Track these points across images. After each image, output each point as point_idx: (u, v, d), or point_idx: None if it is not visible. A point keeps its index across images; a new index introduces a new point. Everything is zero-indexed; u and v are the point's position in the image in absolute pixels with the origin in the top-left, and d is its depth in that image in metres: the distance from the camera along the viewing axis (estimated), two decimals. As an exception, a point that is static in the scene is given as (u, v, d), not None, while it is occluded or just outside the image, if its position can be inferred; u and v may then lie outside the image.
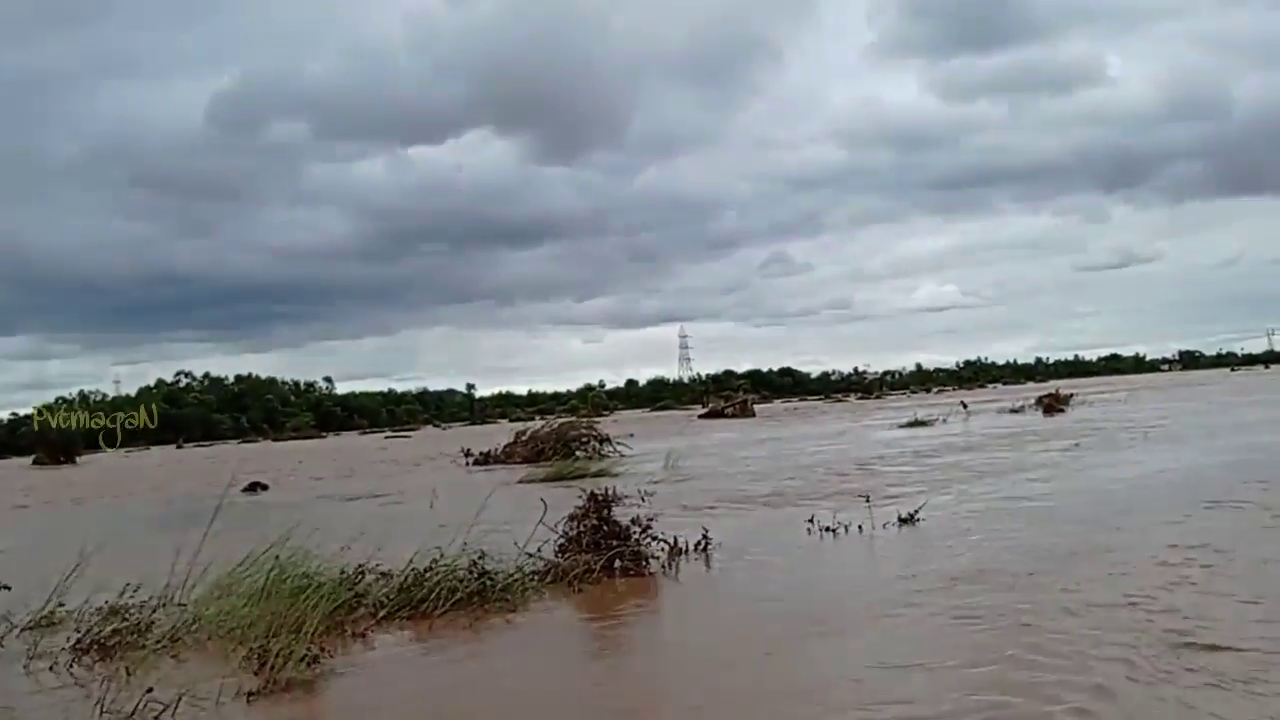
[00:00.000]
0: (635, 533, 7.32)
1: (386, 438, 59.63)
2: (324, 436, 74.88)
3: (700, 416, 50.14)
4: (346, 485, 18.27)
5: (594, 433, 21.73)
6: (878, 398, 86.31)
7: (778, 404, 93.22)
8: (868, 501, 8.59)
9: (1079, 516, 8.34)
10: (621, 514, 7.45)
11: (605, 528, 7.28)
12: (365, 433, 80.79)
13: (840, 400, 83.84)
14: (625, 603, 6.42)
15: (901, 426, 26.02)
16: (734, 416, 46.70)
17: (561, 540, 7.40)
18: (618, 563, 7.04)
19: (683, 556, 7.56)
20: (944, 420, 27.64)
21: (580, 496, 7.45)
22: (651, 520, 7.38)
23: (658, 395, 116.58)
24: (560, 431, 21.47)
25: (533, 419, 71.61)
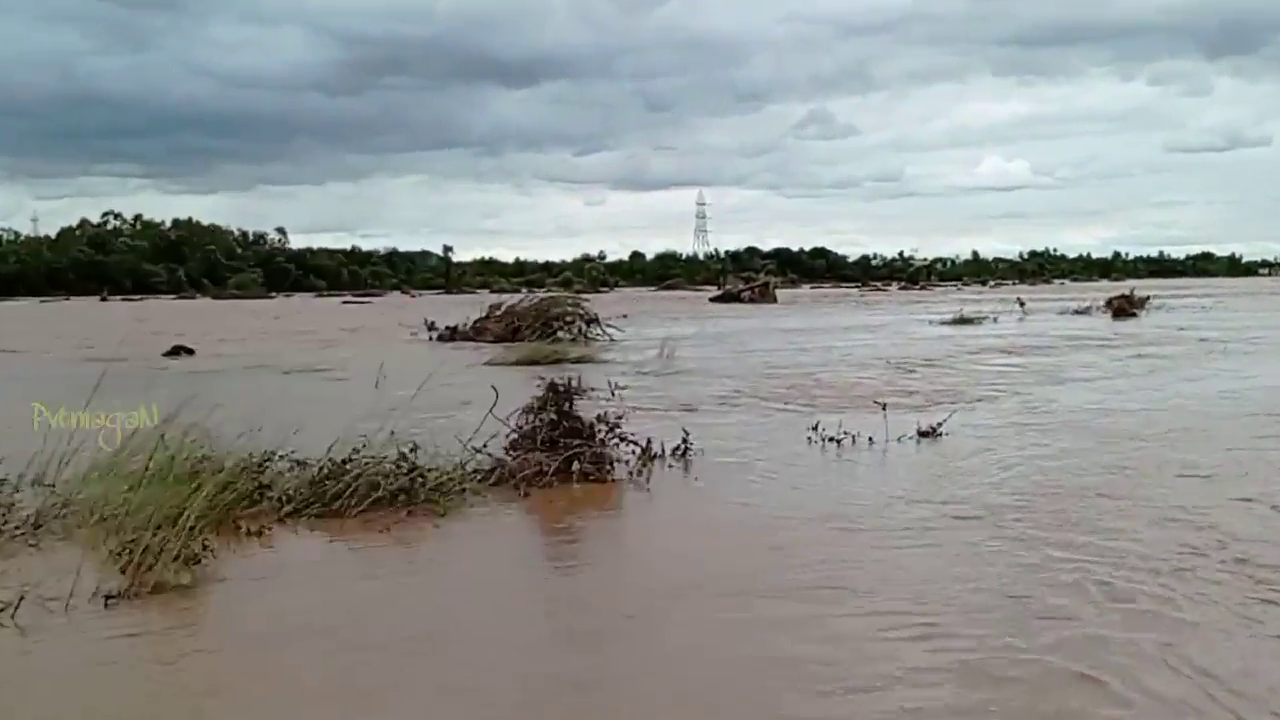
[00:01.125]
0: (600, 431, 7.18)
1: (345, 302, 59.82)
2: (272, 296, 75.04)
3: (713, 300, 50.14)
4: (287, 355, 18.25)
5: (580, 311, 21.69)
6: (923, 288, 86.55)
7: (806, 290, 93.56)
8: (884, 409, 8.44)
9: (1124, 433, 8.23)
10: (591, 410, 7.30)
11: (565, 424, 7.14)
12: (322, 295, 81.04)
13: (879, 289, 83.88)
14: (577, 511, 6.33)
15: (945, 323, 26.19)
16: (752, 302, 46.71)
17: (514, 436, 7.27)
18: (576, 465, 6.92)
19: (655, 462, 7.47)
20: (995, 319, 27.75)
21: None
22: (620, 418, 7.23)
23: (666, 272, 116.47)
24: (541, 308, 21.44)
25: (519, 291, 71.99)
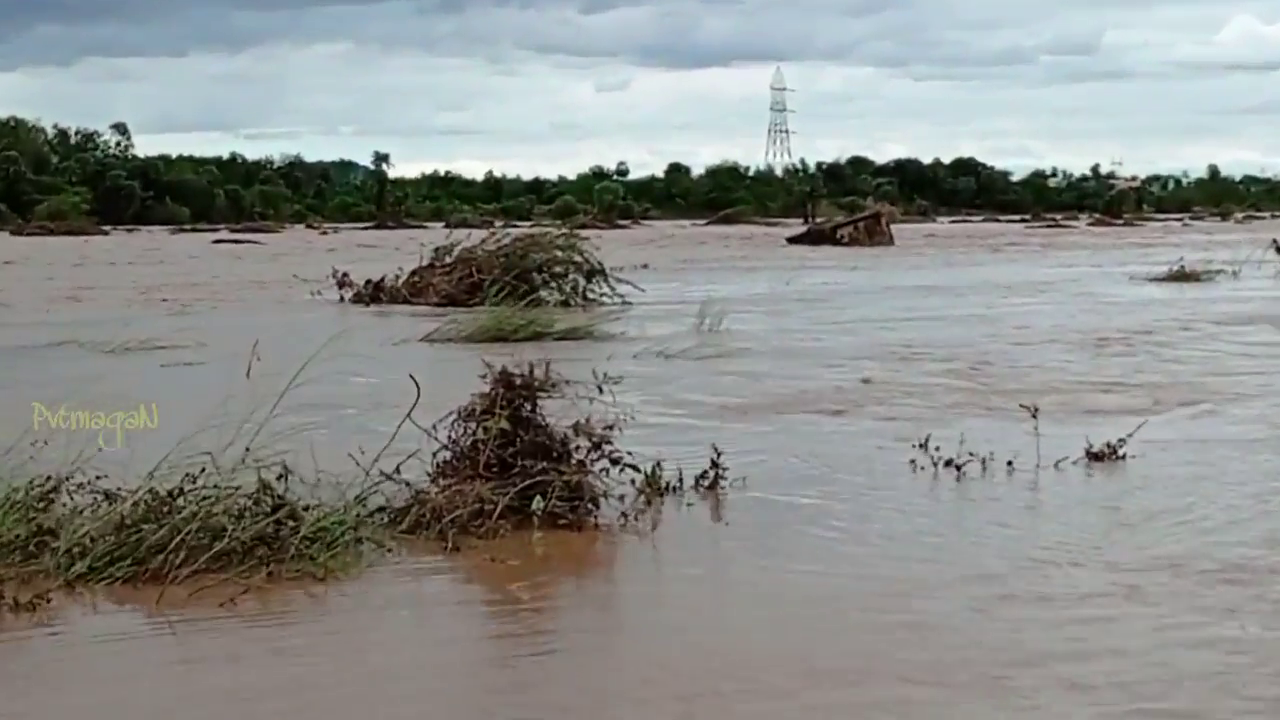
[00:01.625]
0: (579, 449, 7.18)
1: (217, 241, 60.09)
2: (106, 231, 75.49)
3: (791, 240, 50.51)
4: (113, 324, 18.38)
5: (576, 259, 21.84)
6: (1128, 223, 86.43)
7: (943, 224, 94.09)
8: (1034, 415, 8.42)
9: None
10: (578, 415, 7.32)
11: (523, 437, 7.14)
12: (183, 229, 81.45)
13: (1060, 224, 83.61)
14: (537, 575, 6.30)
15: (1156, 280, 26.47)
16: (854, 244, 46.90)
17: (444, 455, 7.28)
18: (539, 502, 6.92)
19: (667, 497, 7.47)
20: (1236, 272, 27.83)
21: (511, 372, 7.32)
22: (611, 428, 7.22)
23: (725, 197, 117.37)
24: (514, 253, 21.59)
25: (490, 225, 72.32)
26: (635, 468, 7.41)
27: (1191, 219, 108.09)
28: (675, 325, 17.57)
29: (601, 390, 7.48)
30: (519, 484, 6.97)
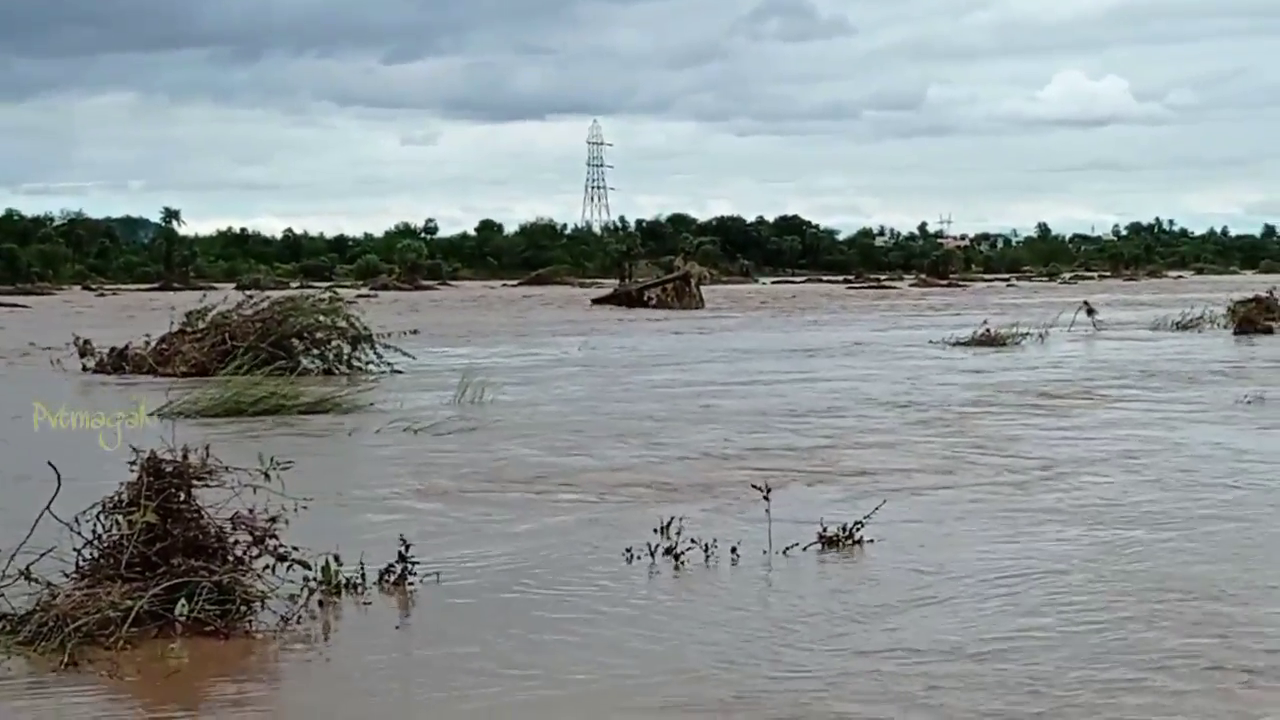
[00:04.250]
0: (240, 545, 6.71)
1: (-20, 306, 58.14)
2: None
3: (597, 302, 50.53)
4: None
5: (340, 325, 21.38)
6: (952, 284, 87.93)
7: (765, 284, 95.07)
8: (766, 495, 8.16)
9: (1205, 569, 8.04)
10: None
11: (174, 532, 6.64)
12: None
13: (885, 286, 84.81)
14: (171, 699, 5.78)
15: (959, 344, 26.86)
16: (663, 305, 47.05)
17: (92, 552, 6.76)
18: (182, 605, 6.42)
19: (344, 594, 7.03)
20: (1043, 336, 28.29)
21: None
22: (275, 521, 6.75)
23: (539, 255, 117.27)
24: (269, 318, 21.02)
25: (287, 285, 71.14)
26: (305, 564, 6.95)
27: (1019, 279, 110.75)
28: (437, 397, 17.15)
29: (268, 476, 6.99)
30: (163, 583, 6.46)
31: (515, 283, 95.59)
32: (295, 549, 6.90)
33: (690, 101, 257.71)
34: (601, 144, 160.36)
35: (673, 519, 8.09)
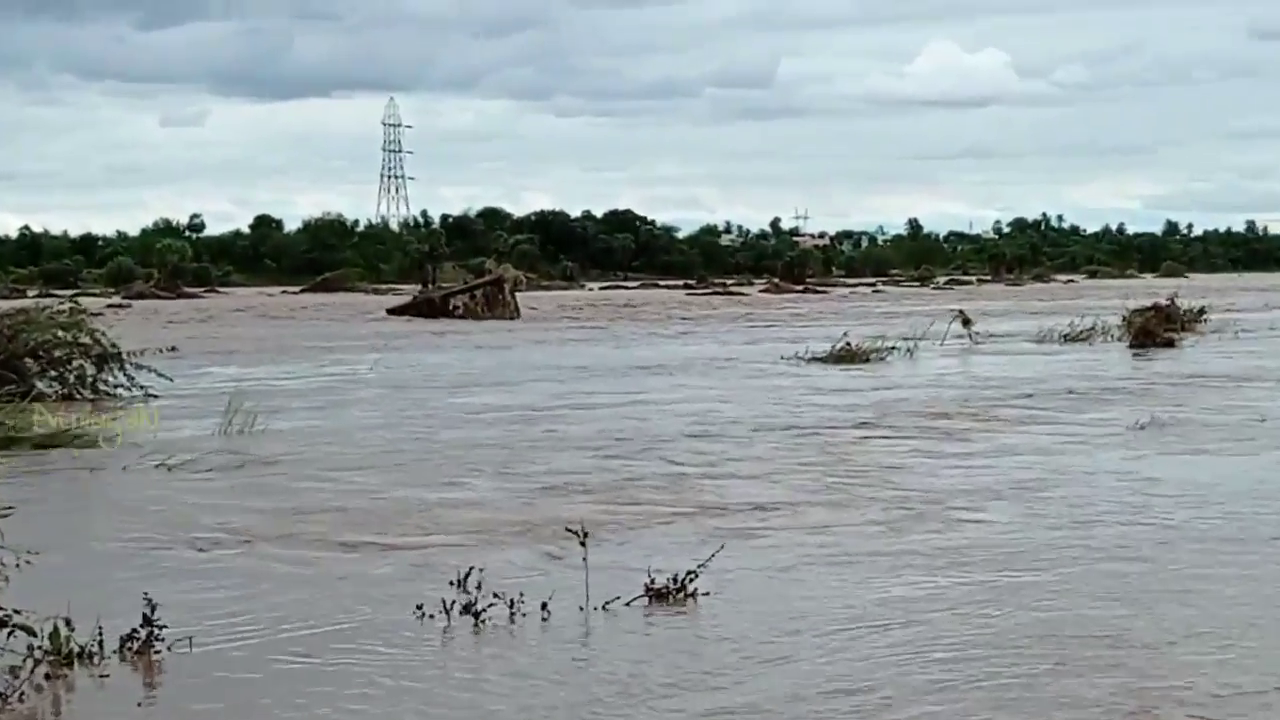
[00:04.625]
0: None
1: None
2: None
3: (392, 311, 50.18)
4: None
5: (84, 340, 21.14)
6: (808, 289, 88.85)
7: (592, 290, 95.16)
8: (582, 541, 8.20)
9: (1097, 613, 8.23)
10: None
11: None
12: None
13: (731, 292, 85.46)
14: None
15: (815, 360, 27.13)
16: (470, 315, 46.97)
17: None
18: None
19: (77, 665, 7.01)
20: (911, 351, 28.92)
21: None
22: (-11, 578, 6.62)
23: (327, 257, 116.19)
24: (1, 332, 20.66)
25: (26, 293, 69.62)
26: (29, 629, 6.82)
27: (886, 283, 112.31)
28: (199, 426, 16.98)
29: (-21, 527, 6.86)
30: None
31: (298, 289, 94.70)
32: (16, 612, 6.79)
33: (503, 76, 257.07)
34: (399, 125, 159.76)
35: (471, 569, 8.09)
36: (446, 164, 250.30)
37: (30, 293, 64.98)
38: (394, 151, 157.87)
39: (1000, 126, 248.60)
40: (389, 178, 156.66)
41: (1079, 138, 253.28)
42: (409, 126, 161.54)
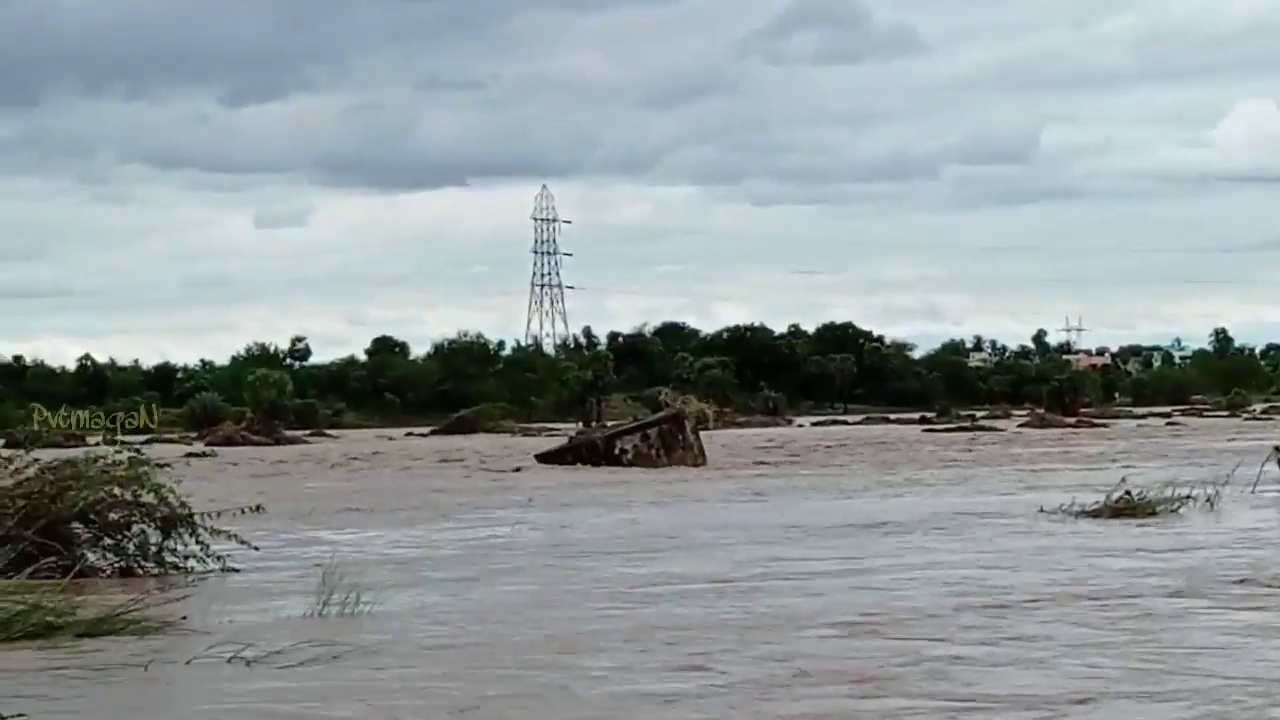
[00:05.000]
0: None
1: None
2: None
3: (543, 458, 50.43)
4: None
5: (147, 500, 21.36)
6: (1079, 424, 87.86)
7: (803, 426, 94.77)
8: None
9: None
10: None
11: None
12: None
13: (981, 427, 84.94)
14: None
15: (1085, 515, 27.08)
16: (643, 461, 47.19)
17: None
18: None
19: None
20: (1211, 500, 28.73)
21: None
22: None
23: (463, 389, 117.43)
24: (43, 490, 20.96)
25: (83, 439, 70.87)
26: None
27: (1186, 412, 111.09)
28: (288, 605, 17.09)
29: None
30: None
31: (427, 431, 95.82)
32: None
33: (684, 156, 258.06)
34: (554, 220, 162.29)
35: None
36: (615, 268, 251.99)
37: (91, 440, 66.22)
38: (548, 254, 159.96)
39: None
40: (542, 287, 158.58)
41: None
42: (567, 222, 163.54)
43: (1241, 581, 17.93)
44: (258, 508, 22.50)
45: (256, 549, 21.34)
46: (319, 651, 14.27)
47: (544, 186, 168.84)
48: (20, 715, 7.25)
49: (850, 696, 11.62)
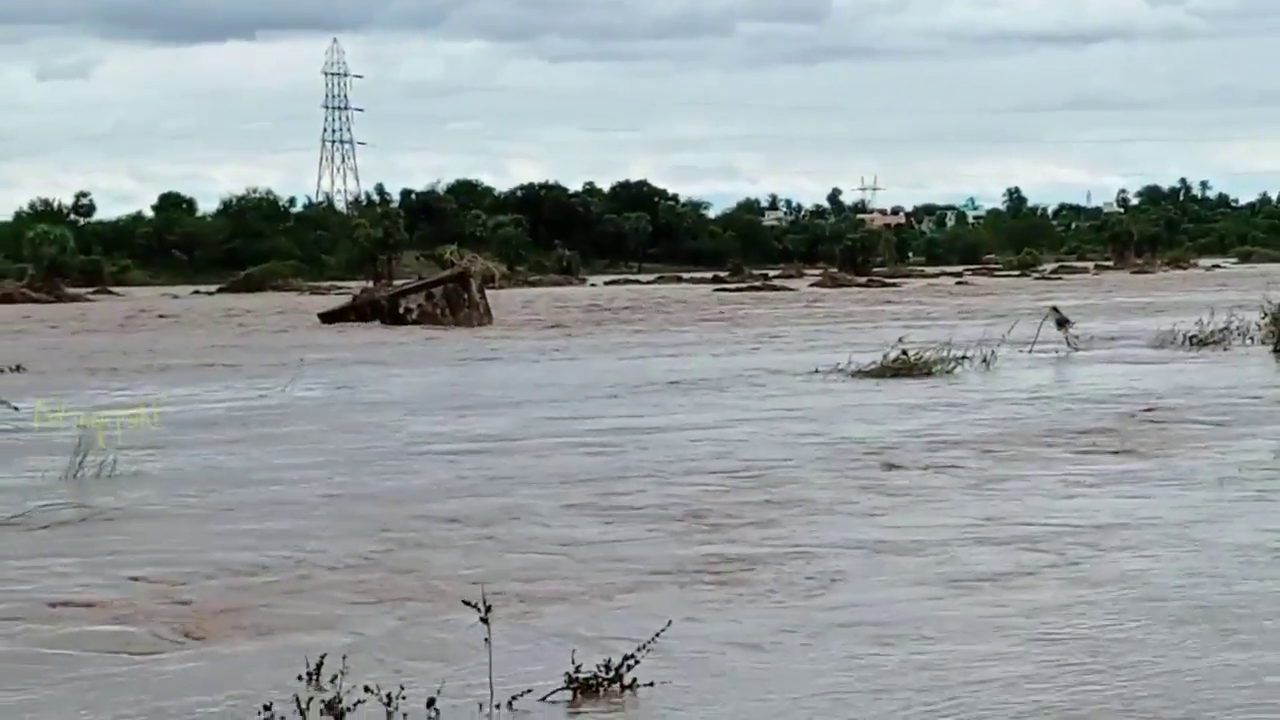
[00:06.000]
0: None
1: None
2: None
3: (326, 318, 50.29)
4: None
5: None
6: (869, 283, 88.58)
7: (596, 285, 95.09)
8: (484, 616, 8.09)
9: None
10: None
11: None
12: None
13: (773, 287, 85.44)
14: None
15: (861, 374, 27.30)
16: (428, 319, 47.14)
17: None
18: None
19: None
20: (987, 359, 29.20)
21: None
22: None
23: (252, 246, 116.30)
24: None
25: None
26: None
27: (977, 272, 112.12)
28: (45, 464, 16.91)
29: None
30: None
31: (214, 288, 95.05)
32: None
33: (477, 10, 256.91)
34: (345, 75, 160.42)
35: (324, 657, 8.03)
36: (407, 125, 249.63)
37: None
38: (339, 109, 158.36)
39: (1126, 68, 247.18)
40: (333, 143, 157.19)
41: (1227, 81, 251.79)
42: (358, 76, 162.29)
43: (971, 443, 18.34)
44: (18, 367, 22.34)
45: (17, 408, 21.14)
46: (70, 513, 14.19)
47: (334, 40, 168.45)
48: None
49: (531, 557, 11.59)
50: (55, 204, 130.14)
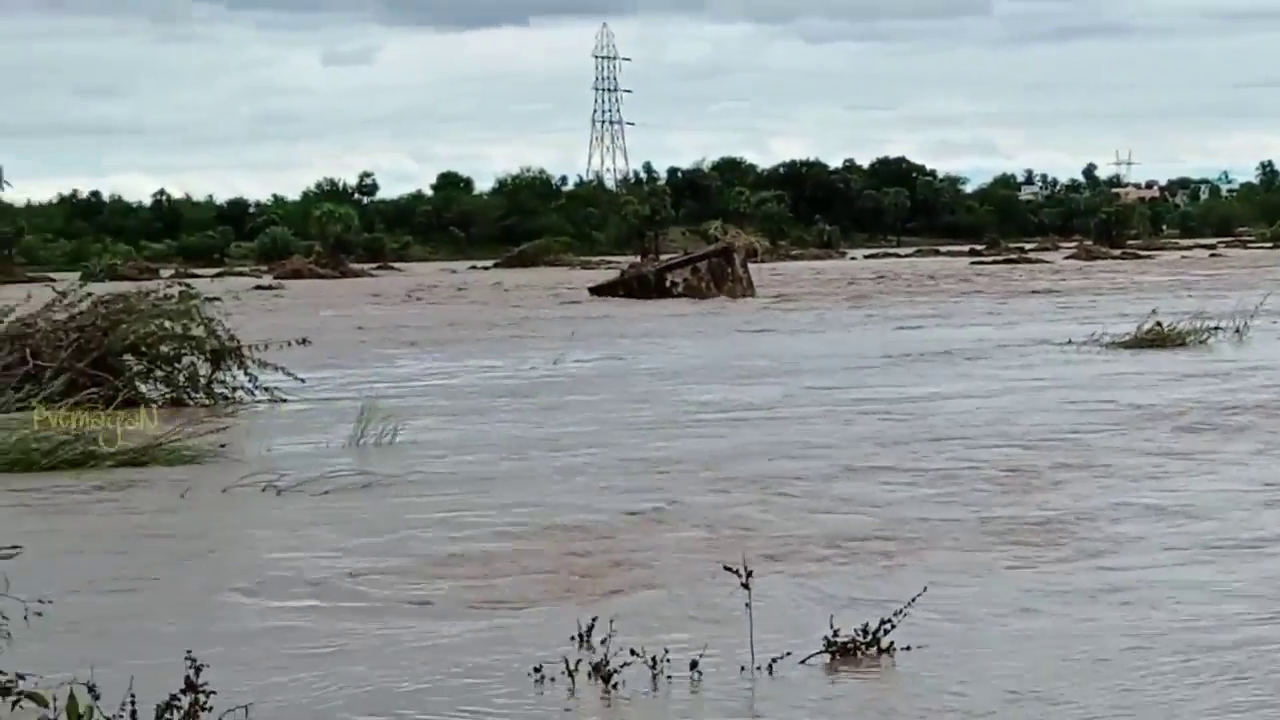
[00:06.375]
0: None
1: None
2: None
3: (596, 291, 50.41)
4: None
5: (196, 333, 21.48)
6: (1125, 255, 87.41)
7: (855, 259, 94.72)
8: (745, 583, 8.00)
9: None
10: None
11: None
12: None
13: (1029, 260, 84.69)
14: None
15: (1114, 345, 27.10)
16: (693, 293, 47.17)
17: None
18: None
19: None
20: (1240, 331, 28.80)
21: None
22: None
23: (525, 224, 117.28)
24: (94, 323, 21.04)
25: (160, 273, 70.86)
26: (39, 699, 6.77)
27: (1230, 244, 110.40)
28: (327, 436, 17.09)
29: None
30: None
31: (489, 264, 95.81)
32: (20, 677, 6.77)
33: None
34: (614, 58, 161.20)
35: (595, 620, 8.01)
36: (674, 106, 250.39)
37: (165, 273, 66.24)
38: (609, 91, 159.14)
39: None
40: (603, 124, 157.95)
41: None
42: (627, 59, 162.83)
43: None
44: (304, 340, 22.46)
45: (303, 380, 21.33)
46: (351, 480, 14.30)
47: (604, 25, 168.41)
48: (15, 547, 7.18)
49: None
50: (340, 184, 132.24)
